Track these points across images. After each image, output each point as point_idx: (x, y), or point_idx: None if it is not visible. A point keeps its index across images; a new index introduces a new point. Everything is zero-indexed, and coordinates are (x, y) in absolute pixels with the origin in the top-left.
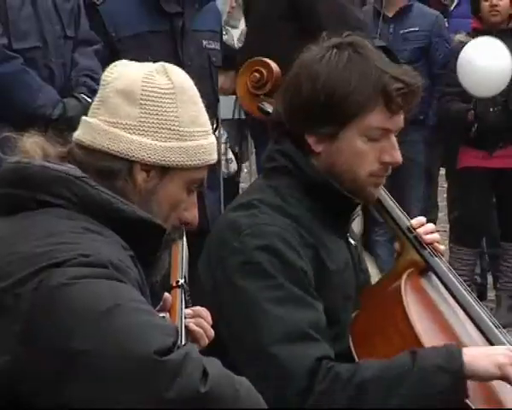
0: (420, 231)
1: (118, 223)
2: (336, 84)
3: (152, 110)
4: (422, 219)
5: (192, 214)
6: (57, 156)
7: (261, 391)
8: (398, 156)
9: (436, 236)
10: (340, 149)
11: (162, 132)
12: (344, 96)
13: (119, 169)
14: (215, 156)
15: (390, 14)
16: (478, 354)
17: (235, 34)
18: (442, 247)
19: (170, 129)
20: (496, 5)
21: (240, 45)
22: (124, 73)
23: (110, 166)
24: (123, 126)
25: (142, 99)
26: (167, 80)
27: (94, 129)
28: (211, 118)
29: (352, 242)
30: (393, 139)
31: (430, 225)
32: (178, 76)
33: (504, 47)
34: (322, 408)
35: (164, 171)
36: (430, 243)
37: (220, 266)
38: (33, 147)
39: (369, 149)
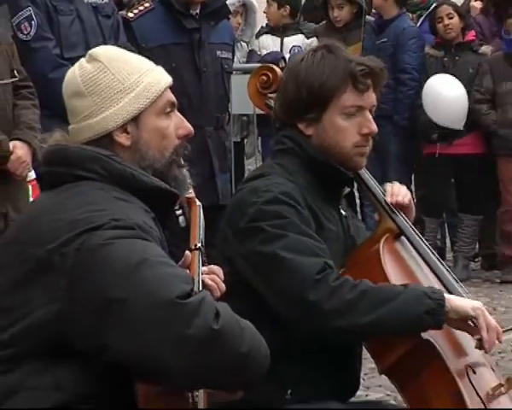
0: (392, 194)
1: (140, 191)
2: (313, 78)
3: (98, 90)
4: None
5: (185, 128)
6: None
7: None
8: (373, 127)
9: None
10: (325, 129)
11: (114, 98)
12: (320, 86)
13: (101, 145)
14: (165, 81)
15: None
16: (458, 298)
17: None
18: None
19: (117, 91)
20: (448, 24)
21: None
22: (65, 83)
23: (97, 146)
24: (87, 116)
25: (86, 89)
26: (94, 62)
27: (73, 133)
28: (223, 113)
29: (343, 212)
30: (367, 114)
31: (400, 188)
32: (101, 52)
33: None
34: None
35: (136, 120)
36: (401, 205)
37: (243, 219)
38: (61, 137)
39: (348, 125)
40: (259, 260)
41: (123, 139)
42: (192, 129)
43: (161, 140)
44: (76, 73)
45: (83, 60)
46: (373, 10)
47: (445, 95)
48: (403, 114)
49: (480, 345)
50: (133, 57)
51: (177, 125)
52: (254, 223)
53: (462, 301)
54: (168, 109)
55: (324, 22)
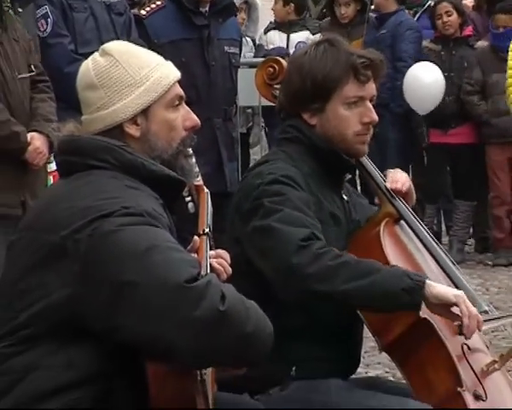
0: (392, 180)
1: (150, 179)
2: (316, 70)
3: (109, 83)
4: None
5: (192, 120)
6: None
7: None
8: (374, 116)
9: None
10: (328, 118)
11: (125, 91)
12: (323, 77)
13: (112, 136)
14: (173, 76)
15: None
16: (439, 285)
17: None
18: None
19: (128, 85)
20: (447, 21)
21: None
22: (79, 76)
23: (109, 136)
24: (99, 108)
25: (99, 81)
26: (107, 56)
27: (86, 123)
28: (231, 105)
29: (345, 197)
30: (368, 104)
31: (400, 174)
32: (114, 47)
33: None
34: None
35: (145, 112)
36: (401, 192)
37: (248, 200)
38: (74, 128)
39: (350, 114)
40: (257, 233)
41: (133, 130)
42: (198, 121)
43: (169, 131)
44: (89, 66)
45: (96, 54)
46: (372, 7)
47: (420, 80)
48: (398, 102)
49: (461, 331)
50: (143, 52)
51: (185, 117)
52: (257, 201)
53: (443, 288)
54: (176, 102)
55: (329, 18)
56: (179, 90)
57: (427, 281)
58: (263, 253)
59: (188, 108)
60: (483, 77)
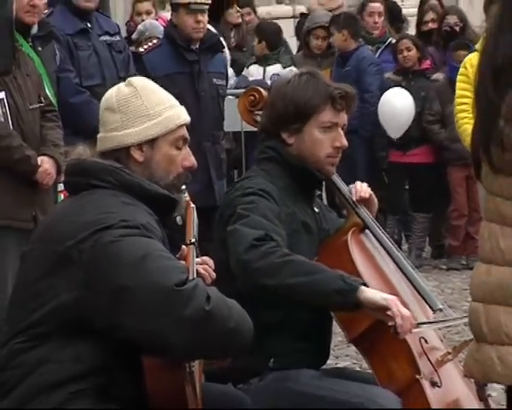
0: (357, 192)
1: (145, 197)
2: (298, 97)
3: (127, 110)
4: (360, 185)
5: (190, 161)
6: (98, 157)
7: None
8: (344, 142)
9: (367, 192)
10: (304, 139)
11: (138, 120)
12: (304, 103)
13: (118, 157)
14: (183, 118)
15: None
16: (373, 290)
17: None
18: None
19: (142, 115)
20: (406, 56)
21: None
22: (104, 98)
23: (115, 158)
24: (113, 129)
25: (118, 107)
26: (130, 87)
27: (100, 140)
28: (218, 130)
29: (316, 209)
30: (340, 130)
31: (364, 187)
32: (138, 81)
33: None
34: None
35: (152, 143)
36: (366, 201)
37: (229, 210)
38: (83, 151)
39: (324, 138)
40: (227, 236)
41: (137, 155)
42: (195, 163)
43: (169, 165)
44: (114, 92)
45: (122, 83)
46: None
47: (394, 105)
48: (366, 127)
49: (395, 331)
50: (163, 92)
51: (185, 157)
52: (233, 209)
53: (374, 293)
54: (180, 143)
55: (301, 52)
56: (185, 133)
57: (362, 287)
58: (228, 252)
59: (189, 151)
60: (442, 107)
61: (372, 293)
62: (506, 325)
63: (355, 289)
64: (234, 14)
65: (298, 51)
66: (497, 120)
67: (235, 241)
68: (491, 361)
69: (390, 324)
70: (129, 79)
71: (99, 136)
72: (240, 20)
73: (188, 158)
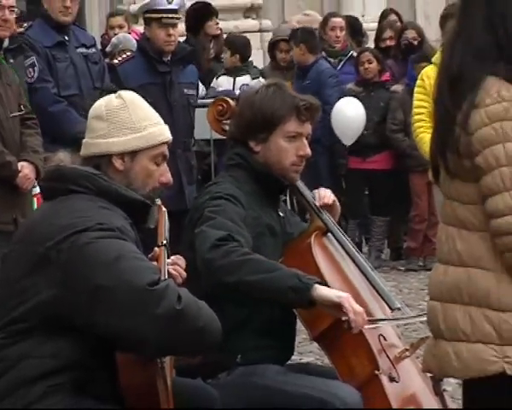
0: (320, 198)
1: (121, 202)
2: (266, 107)
3: (114, 120)
4: (323, 191)
5: (167, 177)
6: (79, 163)
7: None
8: (308, 151)
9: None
10: (270, 148)
11: (123, 131)
12: (271, 113)
13: (100, 163)
14: (166, 136)
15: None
16: (327, 288)
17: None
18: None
19: (128, 128)
20: (367, 68)
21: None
22: (94, 107)
23: (95, 163)
24: (98, 136)
25: (106, 116)
26: (120, 100)
27: (85, 145)
28: (189, 138)
29: (281, 214)
30: (304, 140)
31: (327, 193)
32: (128, 95)
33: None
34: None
35: (133, 154)
36: (329, 206)
37: (198, 213)
38: (63, 158)
39: (289, 147)
40: (195, 237)
41: (118, 164)
42: (171, 180)
43: (147, 178)
44: (104, 102)
45: (113, 95)
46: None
47: (346, 114)
48: (327, 137)
49: (349, 326)
50: (150, 109)
51: (162, 173)
52: (201, 211)
53: (327, 290)
54: (160, 159)
55: (269, 63)
56: (165, 150)
57: (316, 285)
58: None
59: (167, 168)
60: (404, 117)
61: (326, 290)
62: (462, 322)
63: (309, 287)
64: (213, 27)
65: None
66: (453, 127)
67: (200, 241)
68: (448, 357)
69: (343, 319)
70: (120, 92)
71: (84, 141)
72: (218, 31)
73: (165, 174)
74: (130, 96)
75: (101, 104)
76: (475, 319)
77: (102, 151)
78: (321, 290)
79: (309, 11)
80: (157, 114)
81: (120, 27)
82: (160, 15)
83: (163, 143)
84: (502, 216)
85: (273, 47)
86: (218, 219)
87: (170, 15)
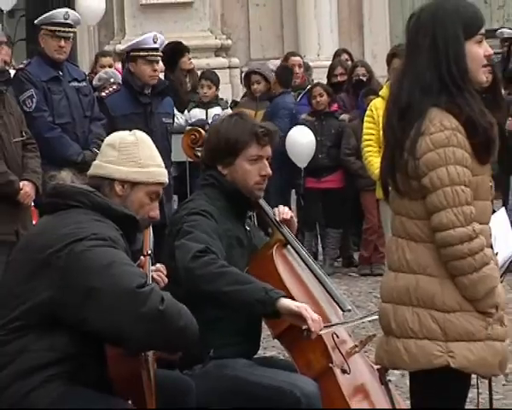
0: (279, 214)
1: (113, 216)
2: (229, 134)
3: (124, 152)
4: (282, 208)
5: (155, 213)
6: (80, 182)
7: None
8: (269, 171)
9: (288, 213)
10: (236, 170)
11: (130, 164)
12: (234, 140)
13: (103, 184)
14: (164, 179)
15: None
16: (289, 301)
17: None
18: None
19: (134, 162)
20: (319, 101)
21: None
22: (110, 137)
23: (99, 183)
24: (108, 161)
25: (119, 147)
26: (133, 137)
27: (95, 165)
28: (167, 160)
29: (247, 228)
30: (265, 161)
31: (286, 210)
32: (141, 135)
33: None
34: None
35: (133, 185)
36: (288, 221)
37: (177, 227)
38: (65, 176)
39: (252, 169)
40: (176, 249)
41: (118, 189)
42: (159, 216)
43: (139, 208)
44: (119, 135)
45: (128, 132)
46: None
47: (297, 140)
48: (277, 160)
49: (307, 333)
50: (156, 152)
51: (152, 209)
52: (180, 226)
53: (289, 302)
54: (154, 196)
55: (244, 93)
56: (160, 190)
57: (280, 298)
58: (176, 263)
59: (157, 205)
60: (357, 143)
61: (287, 302)
62: (411, 321)
63: (273, 300)
64: (187, 62)
65: None
66: (402, 152)
67: (181, 252)
68: (398, 352)
69: (304, 327)
70: (135, 131)
71: (95, 163)
72: (192, 66)
73: (154, 210)
74: (142, 136)
75: (117, 136)
76: (423, 318)
77: (108, 174)
78: (283, 302)
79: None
80: (160, 158)
81: (110, 66)
82: (146, 53)
83: (160, 183)
84: (446, 230)
85: (247, 80)
86: (196, 233)
87: (155, 53)
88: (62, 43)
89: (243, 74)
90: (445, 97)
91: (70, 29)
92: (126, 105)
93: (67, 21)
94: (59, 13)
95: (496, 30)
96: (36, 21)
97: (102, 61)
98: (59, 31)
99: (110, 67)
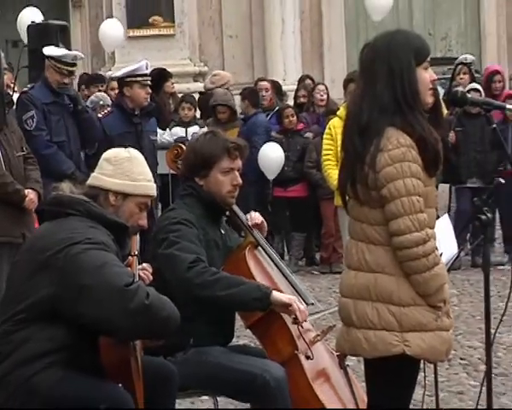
0: (251, 219)
1: (106, 224)
2: (204, 150)
3: (119, 166)
4: (254, 214)
5: (143, 222)
6: (78, 192)
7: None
8: (240, 181)
9: (258, 219)
10: (211, 181)
11: (123, 177)
12: (208, 155)
13: (99, 194)
14: (153, 192)
15: None
16: (279, 293)
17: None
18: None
19: (127, 175)
20: (291, 120)
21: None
22: (107, 153)
23: (95, 193)
24: (103, 173)
25: (114, 161)
26: (127, 153)
27: (92, 177)
28: (154, 172)
29: (223, 231)
30: (237, 173)
31: (257, 215)
32: (134, 152)
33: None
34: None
35: (125, 196)
36: (258, 225)
37: (160, 234)
38: (65, 187)
39: (225, 179)
40: (164, 258)
41: (112, 199)
42: (146, 225)
43: (129, 217)
44: (115, 151)
45: (123, 149)
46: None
47: (267, 155)
48: (252, 172)
49: (295, 321)
50: (147, 168)
51: (141, 218)
52: (165, 234)
53: (280, 295)
54: (143, 207)
55: (212, 119)
56: (148, 202)
57: (273, 292)
58: (169, 271)
59: (145, 215)
60: (317, 157)
61: (279, 295)
62: (371, 314)
63: (268, 295)
64: (170, 86)
65: None
66: (363, 166)
67: (175, 264)
68: (358, 341)
69: (292, 316)
70: (129, 149)
71: (93, 174)
72: (174, 89)
73: (142, 219)
74: (135, 153)
75: (113, 152)
76: (381, 312)
77: (103, 185)
78: (276, 296)
79: (219, 71)
80: (151, 174)
81: (113, 89)
82: (141, 79)
83: (149, 196)
84: (403, 234)
85: (214, 109)
86: (183, 243)
87: (147, 78)
88: (66, 80)
89: (210, 104)
90: (399, 117)
91: (74, 68)
92: (120, 125)
93: (73, 62)
94: (69, 55)
95: (440, 58)
96: (46, 52)
97: (112, 85)
98: (65, 69)
99: (113, 90)
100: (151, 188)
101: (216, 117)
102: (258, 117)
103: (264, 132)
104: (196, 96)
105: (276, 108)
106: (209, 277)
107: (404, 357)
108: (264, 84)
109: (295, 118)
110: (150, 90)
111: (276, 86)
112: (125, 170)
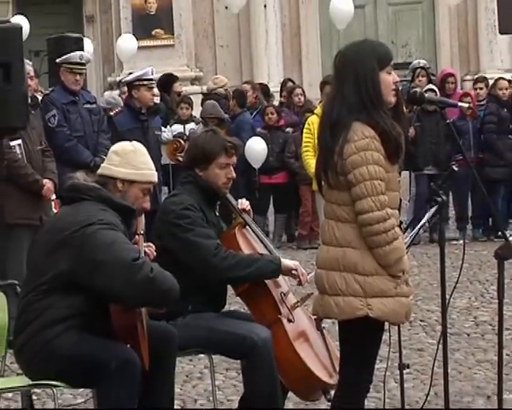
0: (241, 204)
1: (115, 207)
2: (204, 147)
3: (125, 157)
4: (244, 200)
5: (146, 205)
6: (91, 180)
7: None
8: (234, 174)
9: (247, 205)
10: (209, 174)
11: (128, 166)
12: (208, 151)
13: (108, 182)
14: (154, 179)
15: None
16: (287, 260)
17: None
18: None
19: (132, 165)
20: (271, 118)
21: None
22: (115, 146)
23: (105, 181)
24: (112, 164)
25: (121, 153)
26: (132, 147)
27: (102, 167)
28: (158, 163)
29: (217, 214)
30: (231, 168)
31: (246, 202)
32: (138, 146)
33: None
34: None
35: (130, 183)
36: (247, 211)
37: (168, 216)
38: (79, 176)
39: (221, 173)
40: (182, 243)
41: (119, 186)
42: (149, 207)
43: (135, 200)
44: (122, 144)
45: (129, 142)
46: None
47: (253, 148)
48: (241, 163)
49: (299, 283)
50: (149, 159)
51: (144, 200)
52: (176, 220)
53: (288, 261)
54: (146, 191)
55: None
56: (151, 187)
57: (282, 259)
58: (191, 256)
59: (148, 198)
60: (296, 149)
61: (287, 262)
62: (340, 283)
63: (280, 264)
64: (178, 86)
65: None
66: (333, 155)
67: (199, 251)
68: (330, 306)
69: (297, 279)
70: (133, 143)
71: (103, 165)
72: (183, 89)
73: (146, 202)
74: (139, 146)
75: (120, 145)
76: (348, 280)
77: (112, 174)
78: (285, 261)
79: (218, 75)
80: (152, 163)
81: (123, 93)
82: (148, 82)
83: (151, 182)
84: (366, 213)
85: (204, 120)
86: (197, 230)
87: (153, 82)
88: (78, 77)
89: (200, 116)
90: (365, 114)
91: (83, 67)
92: (129, 122)
93: (82, 61)
94: (75, 55)
95: (401, 63)
96: (58, 60)
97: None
98: (75, 68)
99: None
100: (153, 175)
101: (207, 125)
102: (244, 115)
103: (249, 129)
104: (193, 97)
105: (260, 106)
106: (231, 260)
107: (368, 319)
108: (246, 86)
109: (275, 115)
110: (157, 92)
111: (264, 89)
112: (130, 160)
